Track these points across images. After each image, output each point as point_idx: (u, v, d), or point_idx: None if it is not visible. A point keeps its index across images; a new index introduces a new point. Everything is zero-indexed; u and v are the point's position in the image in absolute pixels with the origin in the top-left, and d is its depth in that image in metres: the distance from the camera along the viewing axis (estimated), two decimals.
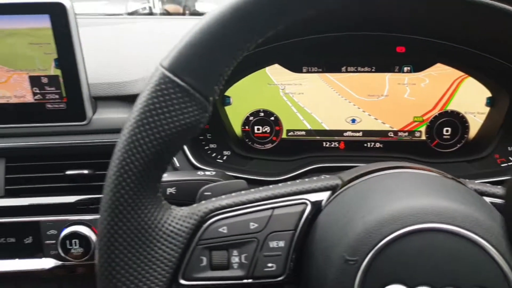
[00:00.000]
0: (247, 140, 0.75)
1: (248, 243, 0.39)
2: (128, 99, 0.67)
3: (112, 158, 0.36)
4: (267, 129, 0.74)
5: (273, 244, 0.39)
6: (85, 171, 0.66)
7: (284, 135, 0.74)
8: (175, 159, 0.66)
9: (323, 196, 0.42)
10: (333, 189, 0.42)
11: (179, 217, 0.39)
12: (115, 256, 0.36)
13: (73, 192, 0.66)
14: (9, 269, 0.65)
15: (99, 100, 0.67)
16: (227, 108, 0.73)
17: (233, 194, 0.42)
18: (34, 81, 0.62)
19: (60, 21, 0.58)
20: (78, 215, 0.66)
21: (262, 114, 0.74)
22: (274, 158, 0.73)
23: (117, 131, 0.66)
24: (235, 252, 0.39)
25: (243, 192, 0.42)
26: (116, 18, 1.14)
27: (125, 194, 0.36)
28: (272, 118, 0.74)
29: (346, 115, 0.73)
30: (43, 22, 0.58)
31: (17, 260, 0.66)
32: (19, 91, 0.62)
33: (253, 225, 0.39)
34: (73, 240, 0.64)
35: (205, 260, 0.38)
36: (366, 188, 0.40)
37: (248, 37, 0.37)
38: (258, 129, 0.74)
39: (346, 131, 0.74)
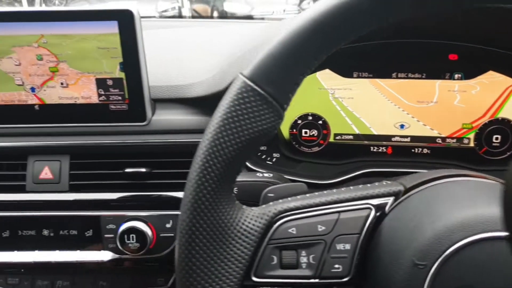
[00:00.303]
0: (294, 143, 0.77)
1: (316, 244, 0.41)
2: (186, 102, 0.70)
3: (195, 159, 0.39)
4: (315, 132, 0.76)
5: (339, 246, 0.41)
6: (143, 170, 0.69)
7: (331, 139, 0.76)
8: None
9: (386, 201, 0.43)
10: (396, 195, 0.43)
11: (251, 216, 0.41)
12: (196, 252, 0.38)
13: (131, 189, 0.70)
14: (71, 260, 0.70)
15: (158, 102, 0.70)
16: None
17: (298, 197, 0.44)
18: (100, 83, 0.65)
19: (127, 27, 0.62)
20: (135, 211, 0.69)
21: (310, 117, 0.75)
22: (322, 161, 0.74)
23: (174, 132, 0.69)
24: (303, 253, 0.41)
25: (308, 195, 0.44)
26: (175, 21, 1.17)
27: (206, 194, 0.38)
28: (320, 122, 0.75)
29: (394, 120, 0.74)
30: (112, 28, 0.62)
31: (78, 251, 0.70)
32: (86, 92, 0.66)
33: (320, 228, 0.41)
34: (131, 235, 0.68)
35: (275, 259, 0.40)
36: (432, 194, 0.41)
37: (323, 48, 0.39)
38: (306, 132, 0.76)
39: (394, 136, 0.75)
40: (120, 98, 0.66)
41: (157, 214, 0.69)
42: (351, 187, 0.45)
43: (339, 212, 0.42)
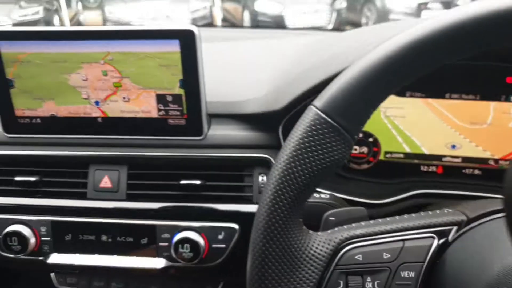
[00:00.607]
0: None
1: (381, 271, 0.42)
2: (240, 117, 0.72)
3: (267, 185, 0.41)
4: (365, 149, 0.76)
5: (404, 274, 0.42)
6: (197, 182, 0.72)
7: (381, 157, 0.76)
8: None
9: (449, 230, 0.44)
10: (459, 224, 0.44)
11: (318, 242, 0.43)
12: (268, 275, 0.40)
13: (185, 200, 0.73)
14: (127, 265, 0.73)
15: (213, 116, 0.73)
16: None
17: (363, 223, 0.46)
18: (160, 98, 0.68)
19: (188, 46, 0.64)
20: (188, 221, 0.72)
21: (360, 134, 0.76)
22: (372, 180, 0.75)
23: (228, 146, 0.71)
24: (369, 279, 0.42)
25: (372, 222, 0.45)
26: (229, 31, 1.19)
27: (279, 220, 0.40)
28: (371, 139, 0.76)
29: (446, 140, 0.74)
30: (173, 47, 0.65)
31: (134, 257, 0.74)
32: (146, 107, 0.69)
33: (386, 255, 0.42)
34: (185, 245, 0.70)
35: (342, 284, 0.42)
36: (498, 227, 0.41)
37: (396, 84, 0.40)
38: (355, 149, 0.77)
39: (445, 156, 0.74)
40: (178, 113, 0.69)
41: (210, 226, 0.71)
42: (413, 215, 0.46)
43: (403, 240, 0.43)
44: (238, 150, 0.72)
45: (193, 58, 0.65)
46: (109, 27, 0.66)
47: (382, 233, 0.43)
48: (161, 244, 0.72)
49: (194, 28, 0.64)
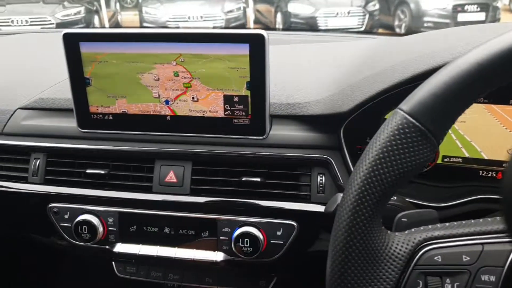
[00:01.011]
0: None
1: (461, 273, 0.43)
2: (301, 118, 0.74)
3: (351, 186, 0.43)
4: None
5: (484, 277, 0.43)
6: (258, 179, 0.74)
7: (439, 161, 0.77)
8: (339, 176, 0.72)
9: None
10: None
11: (397, 242, 0.44)
12: (349, 274, 0.42)
13: (245, 196, 0.76)
14: (188, 257, 0.77)
15: (274, 117, 0.75)
16: None
17: (439, 225, 0.47)
18: (227, 99, 0.71)
19: (258, 50, 0.67)
20: (248, 217, 0.75)
21: None
22: (431, 183, 0.75)
23: (289, 146, 0.74)
24: (448, 280, 0.43)
25: (447, 224, 0.46)
26: (290, 34, 1.21)
27: (364, 219, 0.42)
28: None
29: (507, 146, 0.73)
30: (243, 50, 0.68)
31: (194, 250, 0.77)
32: (213, 107, 0.72)
33: (465, 258, 0.43)
34: (245, 239, 0.73)
35: (421, 284, 0.43)
36: None
37: (484, 90, 0.41)
38: None
39: (505, 161, 0.74)
40: (243, 113, 0.72)
41: (269, 222, 0.74)
42: (489, 219, 0.47)
43: (482, 244, 0.44)
44: (298, 150, 0.74)
45: (261, 61, 0.67)
46: (182, 30, 0.69)
47: (461, 235, 0.44)
48: (221, 238, 0.75)
49: (264, 32, 0.66)
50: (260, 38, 0.66)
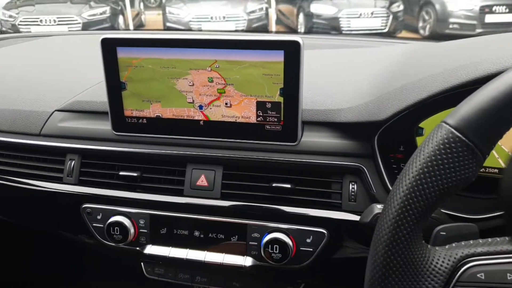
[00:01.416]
0: None
1: None
2: (332, 125, 0.74)
3: (393, 199, 0.43)
4: None
5: None
6: (288, 185, 0.74)
7: None
8: (372, 184, 0.71)
9: None
10: None
11: (438, 257, 0.44)
12: (390, 287, 0.42)
13: (275, 202, 0.76)
14: (217, 261, 0.77)
15: (306, 124, 0.75)
16: (418, 139, 0.76)
17: (480, 241, 0.46)
18: (260, 105, 0.72)
19: (293, 56, 0.67)
20: (278, 223, 0.75)
21: None
22: (467, 194, 0.74)
23: (320, 153, 0.73)
24: None
25: (490, 240, 0.45)
26: (320, 38, 1.21)
27: (406, 234, 0.41)
28: None
29: None
30: (278, 57, 0.68)
31: (223, 254, 0.78)
32: (246, 113, 0.72)
33: (510, 276, 0.42)
34: (274, 245, 0.73)
35: None
36: None
37: None
38: None
39: None
40: (275, 119, 0.72)
41: (298, 228, 0.74)
42: None
43: None
44: (329, 157, 0.73)
45: (296, 68, 0.68)
46: (218, 36, 0.70)
47: (505, 252, 0.43)
48: (250, 243, 0.76)
49: (299, 39, 0.66)
50: (296, 45, 0.66)
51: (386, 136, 0.71)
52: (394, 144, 0.72)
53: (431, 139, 0.42)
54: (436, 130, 0.42)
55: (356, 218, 0.72)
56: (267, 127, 0.73)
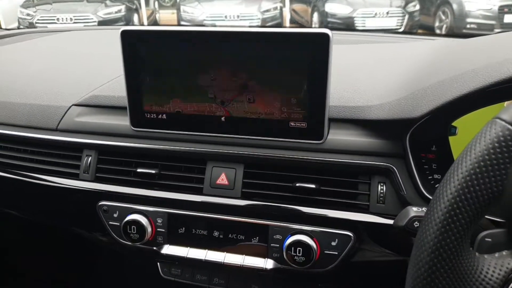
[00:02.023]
0: None
1: None
2: (360, 123, 0.70)
3: (440, 201, 0.39)
4: None
5: None
6: (312, 186, 0.71)
7: None
8: (403, 186, 0.67)
9: None
10: None
11: (488, 266, 0.40)
12: None
13: (298, 202, 0.72)
14: (237, 262, 0.74)
15: (333, 121, 0.72)
16: (451, 138, 0.72)
17: None
18: (284, 101, 0.68)
19: (321, 50, 0.64)
20: (301, 224, 0.71)
21: None
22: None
23: (348, 152, 0.70)
24: None
25: None
26: (348, 34, 1.17)
27: (454, 240, 0.38)
28: None
29: None
30: (305, 50, 0.64)
31: (243, 256, 0.75)
32: (270, 109, 0.69)
33: None
34: (297, 248, 0.70)
35: None
36: None
37: None
38: None
39: None
40: (301, 116, 0.68)
41: (323, 231, 0.70)
42: None
43: None
44: (357, 157, 0.70)
45: (323, 62, 0.64)
46: (241, 29, 0.67)
47: None
48: (272, 244, 0.73)
49: (328, 32, 0.63)
50: (325, 37, 0.63)
51: (418, 135, 0.67)
52: (426, 144, 0.68)
53: (483, 136, 0.38)
54: (489, 126, 0.38)
55: (384, 221, 0.69)
56: (292, 124, 0.69)
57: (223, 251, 0.75)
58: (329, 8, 6.16)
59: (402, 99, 0.66)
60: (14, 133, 0.86)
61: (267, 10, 5.99)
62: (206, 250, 0.76)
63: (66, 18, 5.45)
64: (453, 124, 0.71)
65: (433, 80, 0.64)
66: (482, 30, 5.52)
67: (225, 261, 0.75)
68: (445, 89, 0.61)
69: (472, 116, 0.70)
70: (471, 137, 0.71)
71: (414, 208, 0.57)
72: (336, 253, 0.70)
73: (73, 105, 0.84)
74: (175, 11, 6.34)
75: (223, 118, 0.72)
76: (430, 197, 0.67)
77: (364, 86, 0.74)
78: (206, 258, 0.75)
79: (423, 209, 0.59)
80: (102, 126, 0.80)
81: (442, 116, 0.65)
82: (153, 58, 0.70)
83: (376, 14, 6.03)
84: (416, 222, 0.57)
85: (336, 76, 0.74)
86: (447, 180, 0.39)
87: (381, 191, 0.69)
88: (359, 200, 0.71)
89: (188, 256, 0.76)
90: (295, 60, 0.65)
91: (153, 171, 0.77)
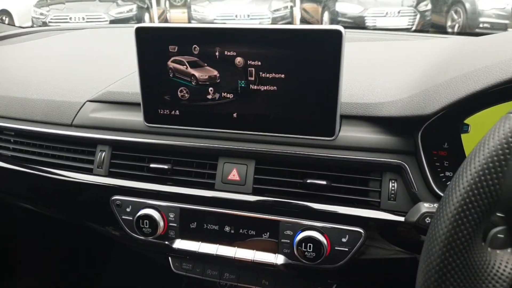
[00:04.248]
0: None
1: None
2: (372, 120, 0.70)
3: (452, 195, 0.39)
4: None
5: None
6: (323, 182, 0.71)
7: None
8: (414, 183, 0.67)
9: None
10: None
11: (500, 261, 0.40)
12: None
13: (309, 199, 0.73)
14: (248, 258, 0.75)
15: (344, 118, 0.72)
16: (463, 136, 0.72)
17: None
18: (297, 97, 0.68)
19: (334, 46, 0.64)
20: (312, 221, 0.72)
21: None
22: None
23: (359, 149, 0.70)
24: None
25: None
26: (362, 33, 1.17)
27: (466, 234, 0.38)
28: None
29: None
30: (318, 46, 0.64)
31: (254, 251, 0.75)
32: (281, 105, 0.69)
33: None
34: (308, 244, 0.70)
35: None
36: None
37: None
38: None
39: None
40: (312, 113, 0.69)
41: (334, 227, 0.71)
42: None
43: None
44: (368, 154, 0.70)
45: (336, 59, 0.64)
46: (255, 26, 0.67)
47: None
48: (283, 240, 0.73)
49: (341, 29, 0.63)
50: (337, 34, 0.63)
51: (430, 132, 0.67)
52: (437, 141, 0.68)
53: (497, 131, 0.38)
54: (503, 121, 0.39)
55: (395, 218, 0.69)
56: (303, 120, 0.70)
57: (234, 246, 0.76)
58: (339, 7, 6.15)
59: (414, 96, 0.66)
60: (30, 129, 0.87)
61: (278, 10, 6.00)
62: (217, 245, 0.77)
63: (79, 17, 5.53)
64: (465, 121, 0.71)
65: (446, 77, 0.64)
66: (495, 29, 5.44)
67: (236, 256, 0.75)
68: (458, 86, 0.61)
69: (484, 113, 0.70)
70: (484, 134, 0.71)
71: (426, 204, 0.57)
72: (347, 249, 0.71)
73: (87, 101, 0.85)
74: (185, 10, 6.37)
75: (235, 115, 0.72)
76: (442, 195, 0.67)
77: (376, 83, 0.74)
78: (217, 253, 0.76)
79: (435, 205, 0.59)
80: (116, 122, 0.82)
81: (455, 113, 0.65)
82: (167, 54, 0.71)
83: (387, 13, 5.99)
84: (428, 218, 0.57)
85: (347, 73, 0.74)
86: (460, 174, 0.39)
87: (392, 188, 0.69)
88: (370, 197, 0.71)
89: (199, 250, 0.77)
90: (307, 56, 0.66)
91: (166, 167, 0.78)
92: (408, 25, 5.90)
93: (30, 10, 5.94)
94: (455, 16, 5.87)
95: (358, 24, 5.83)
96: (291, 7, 6.21)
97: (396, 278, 0.80)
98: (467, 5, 5.68)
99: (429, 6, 6.20)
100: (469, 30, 5.61)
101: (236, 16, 5.80)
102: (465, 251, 0.38)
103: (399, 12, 6.04)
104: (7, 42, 1.33)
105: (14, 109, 0.90)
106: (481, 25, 5.55)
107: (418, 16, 6.01)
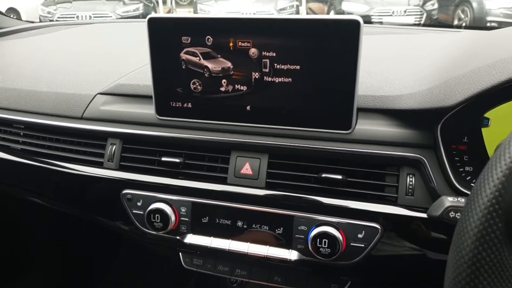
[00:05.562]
0: None
1: None
2: (389, 113, 0.69)
3: (484, 187, 0.37)
4: None
5: None
6: (339, 177, 0.70)
7: None
8: (433, 177, 0.65)
9: None
10: None
11: None
12: None
13: (324, 194, 0.71)
14: (261, 253, 0.73)
15: (361, 111, 0.70)
16: (484, 130, 0.70)
17: None
18: (312, 90, 0.67)
19: (350, 37, 0.62)
20: (326, 216, 0.70)
21: None
22: None
23: (376, 143, 0.68)
24: None
25: None
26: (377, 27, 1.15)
27: (502, 227, 0.36)
28: None
29: None
30: (334, 37, 0.63)
31: (267, 246, 0.74)
32: (296, 98, 0.68)
33: None
34: (323, 240, 0.69)
35: None
36: None
37: None
38: None
39: None
40: (329, 105, 0.67)
41: (350, 223, 0.69)
42: None
43: None
44: (386, 148, 0.68)
45: (354, 50, 0.63)
46: (270, 16, 0.66)
47: None
48: (296, 236, 0.72)
49: (359, 19, 0.61)
50: (355, 24, 0.62)
51: (450, 126, 0.65)
52: (457, 135, 0.66)
53: None
54: None
55: (413, 213, 0.67)
56: (319, 113, 0.68)
57: (246, 241, 0.75)
58: (345, 6, 6.13)
59: (434, 88, 0.64)
60: (41, 121, 0.86)
61: (283, 9, 5.99)
62: (230, 240, 0.75)
63: (85, 16, 5.56)
64: (486, 115, 0.69)
65: (467, 69, 0.62)
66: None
67: (248, 251, 0.74)
68: (480, 77, 0.59)
69: (505, 107, 0.68)
70: (505, 129, 0.69)
71: (450, 198, 0.55)
72: (363, 245, 0.69)
73: (98, 93, 0.84)
74: (191, 9, 6.38)
75: (248, 107, 0.71)
76: (462, 189, 0.65)
77: (393, 75, 0.73)
78: (230, 248, 0.75)
79: (459, 199, 0.57)
80: (127, 115, 0.80)
81: (476, 106, 0.63)
82: (180, 45, 0.70)
83: (393, 12, 5.97)
84: (452, 212, 0.55)
85: (364, 65, 0.73)
86: (493, 163, 0.37)
87: (410, 183, 0.68)
88: (387, 192, 0.69)
89: (211, 245, 0.76)
90: (323, 47, 0.64)
91: (178, 160, 0.77)
92: (415, 24, 5.87)
93: (38, 9, 5.97)
94: (462, 15, 5.83)
95: (364, 23, 5.82)
96: (297, 6, 6.20)
97: (412, 276, 0.78)
98: (474, 4, 5.63)
99: (436, 5, 6.16)
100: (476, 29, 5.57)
101: (242, 14, 5.81)
102: (500, 245, 0.36)
103: (405, 11, 6.01)
104: (17, 36, 1.33)
105: (24, 102, 0.89)
106: (488, 24, 5.51)
107: (425, 15, 5.99)
